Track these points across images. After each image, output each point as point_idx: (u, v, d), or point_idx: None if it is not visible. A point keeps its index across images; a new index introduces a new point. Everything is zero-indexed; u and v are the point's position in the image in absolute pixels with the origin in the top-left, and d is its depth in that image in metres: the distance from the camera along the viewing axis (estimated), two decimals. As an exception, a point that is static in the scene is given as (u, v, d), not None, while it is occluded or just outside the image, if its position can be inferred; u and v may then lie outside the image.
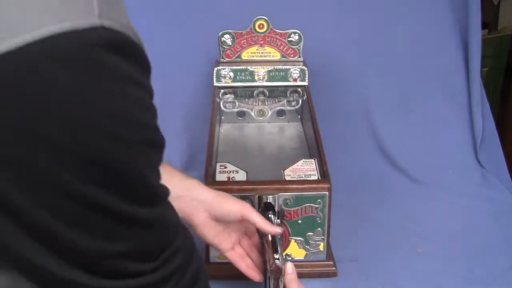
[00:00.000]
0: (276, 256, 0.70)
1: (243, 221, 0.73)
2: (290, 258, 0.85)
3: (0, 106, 0.32)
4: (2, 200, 0.34)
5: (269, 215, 0.75)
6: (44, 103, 0.32)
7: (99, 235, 0.38)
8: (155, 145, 0.41)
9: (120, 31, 0.35)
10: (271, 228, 0.71)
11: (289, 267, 0.71)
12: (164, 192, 0.44)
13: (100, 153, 0.35)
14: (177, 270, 0.45)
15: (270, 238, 0.72)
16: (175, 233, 0.45)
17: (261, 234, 0.75)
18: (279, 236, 0.73)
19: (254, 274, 0.75)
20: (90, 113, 0.34)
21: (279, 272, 0.70)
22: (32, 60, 0.31)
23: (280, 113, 1.15)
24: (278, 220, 0.78)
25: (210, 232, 0.73)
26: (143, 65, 0.38)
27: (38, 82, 0.32)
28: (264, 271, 0.75)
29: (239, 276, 0.80)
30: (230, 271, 0.84)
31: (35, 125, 0.33)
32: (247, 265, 0.75)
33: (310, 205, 0.82)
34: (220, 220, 0.73)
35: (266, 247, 0.72)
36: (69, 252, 0.38)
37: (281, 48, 1.12)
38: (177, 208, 0.47)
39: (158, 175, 0.43)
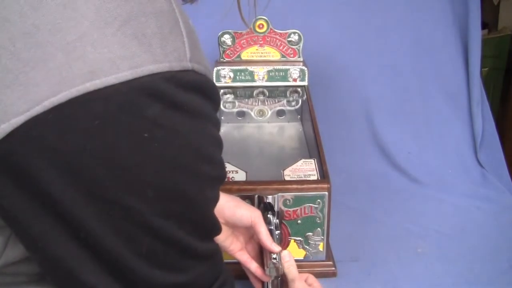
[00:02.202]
0: (274, 256, 0.70)
1: (251, 227, 0.74)
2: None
3: (94, 136, 0.34)
4: (79, 227, 0.36)
5: (269, 215, 0.75)
6: (130, 136, 0.35)
7: (161, 265, 0.39)
8: (221, 181, 0.43)
9: (205, 74, 0.38)
10: (270, 245, 0.72)
11: (286, 254, 0.71)
12: (219, 225, 0.45)
13: (177, 186, 0.37)
14: None
15: None
16: (222, 266, 0.47)
17: None
18: (277, 237, 0.73)
19: (263, 274, 0.76)
20: (175, 147, 0.36)
21: (276, 272, 0.70)
22: (128, 93, 0.34)
23: (280, 113, 1.15)
24: (277, 220, 0.78)
25: (221, 235, 0.73)
26: (217, 104, 0.41)
27: (129, 115, 0.34)
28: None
29: (239, 276, 0.80)
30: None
31: (123, 157, 0.35)
32: (257, 266, 0.76)
33: (309, 205, 0.82)
34: (230, 224, 0.74)
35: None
36: (129, 280, 0.39)
37: (281, 48, 1.12)
38: None
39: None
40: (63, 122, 0.33)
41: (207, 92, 0.39)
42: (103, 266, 0.37)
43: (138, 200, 0.36)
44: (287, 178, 0.86)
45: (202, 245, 0.42)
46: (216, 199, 0.43)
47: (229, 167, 0.89)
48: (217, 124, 0.41)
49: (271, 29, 1.10)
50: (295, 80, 1.12)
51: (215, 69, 1.11)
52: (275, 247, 0.71)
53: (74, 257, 0.37)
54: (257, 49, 1.12)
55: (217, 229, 0.45)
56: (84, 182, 0.34)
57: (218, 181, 0.42)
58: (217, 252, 0.45)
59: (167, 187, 0.37)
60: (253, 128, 1.13)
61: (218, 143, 0.41)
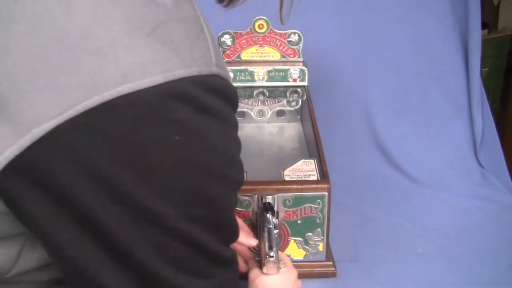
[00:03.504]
0: (271, 254, 0.70)
1: None
2: (289, 259, 0.85)
3: (125, 140, 0.34)
4: (107, 234, 0.35)
5: (268, 215, 0.75)
6: (160, 139, 0.35)
7: (189, 272, 0.39)
8: (241, 185, 0.43)
9: (228, 79, 0.39)
10: (247, 242, 0.73)
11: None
12: (239, 231, 0.45)
13: (205, 189, 0.37)
14: None
15: (266, 235, 0.73)
16: (238, 272, 0.47)
17: (259, 232, 0.75)
18: (276, 236, 0.73)
19: None
20: (204, 150, 0.37)
21: (274, 270, 0.70)
22: (160, 97, 0.34)
23: (280, 113, 1.15)
24: (276, 220, 0.78)
25: None
26: (236, 108, 0.42)
27: (161, 117, 0.34)
28: (260, 268, 0.75)
29: (238, 276, 0.80)
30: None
31: (153, 161, 0.35)
32: None
33: (309, 206, 0.82)
34: None
35: (262, 245, 0.73)
36: (156, 286, 0.38)
37: (280, 48, 1.12)
38: None
39: None
40: (95, 126, 0.33)
41: (230, 97, 0.39)
42: (131, 274, 0.37)
43: (166, 205, 0.36)
44: (287, 178, 0.86)
45: (225, 250, 0.42)
46: (236, 204, 0.43)
47: (229, 167, 0.89)
48: (237, 128, 0.42)
49: (271, 29, 1.10)
50: (295, 80, 1.12)
51: (215, 69, 1.11)
52: (252, 241, 0.73)
53: (101, 265, 0.36)
54: (257, 49, 1.13)
55: (237, 234, 0.45)
56: (113, 187, 0.34)
57: (239, 185, 0.43)
58: (236, 258, 0.45)
59: (196, 190, 0.37)
60: (253, 128, 1.13)
61: (239, 146, 0.42)
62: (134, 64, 0.34)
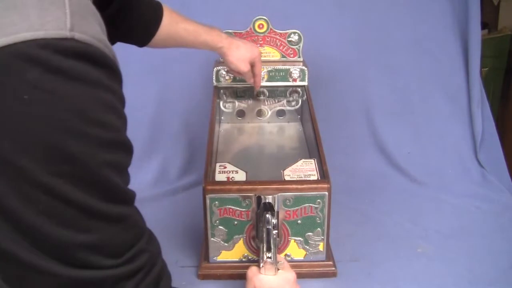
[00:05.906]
0: (269, 255, 0.70)
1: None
2: (289, 259, 0.85)
3: None
4: None
5: (267, 215, 0.75)
6: (12, 98, 0.37)
7: (63, 224, 0.41)
8: (119, 146, 0.44)
9: (91, 43, 0.40)
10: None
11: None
12: (130, 195, 0.46)
13: (65, 147, 0.39)
14: (140, 269, 0.47)
15: (264, 236, 0.73)
16: (140, 235, 0.48)
17: (259, 232, 0.75)
18: (274, 236, 0.73)
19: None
20: (57, 109, 0.38)
21: (271, 271, 0.70)
22: (5, 59, 0.36)
23: (280, 113, 1.15)
24: (276, 221, 0.78)
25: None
26: (112, 73, 0.43)
27: (9, 78, 0.36)
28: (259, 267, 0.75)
29: (239, 276, 0.80)
30: (229, 271, 0.84)
31: (7, 118, 0.37)
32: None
33: (309, 205, 0.82)
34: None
35: (261, 246, 0.73)
36: (35, 238, 0.40)
37: (281, 48, 1.12)
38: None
39: (124, 177, 0.46)
40: None
41: (96, 60, 0.41)
42: (9, 225, 0.39)
43: (29, 160, 0.38)
44: (287, 178, 0.86)
45: (107, 207, 0.43)
46: (117, 164, 0.44)
47: (229, 167, 0.89)
48: (110, 91, 0.42)
49: (271, 29, 1.10)
50: (295, 80, 1.12)
51: (215, 69, 1.11)
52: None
53: None
54: (257, 49, 1.12)
55: (123, 194, 0.45)
56: None
57: (115, 145, 0.43)
58: (128, 217, 0.46)
59: (55, 146, 0.38)
60: (253, 128, 1.13)
61: (110, 108, 0.42)
62: None
